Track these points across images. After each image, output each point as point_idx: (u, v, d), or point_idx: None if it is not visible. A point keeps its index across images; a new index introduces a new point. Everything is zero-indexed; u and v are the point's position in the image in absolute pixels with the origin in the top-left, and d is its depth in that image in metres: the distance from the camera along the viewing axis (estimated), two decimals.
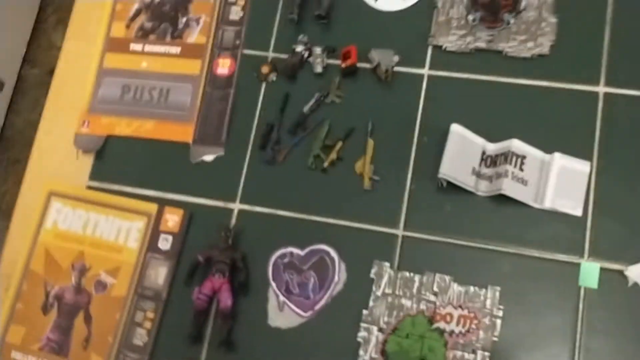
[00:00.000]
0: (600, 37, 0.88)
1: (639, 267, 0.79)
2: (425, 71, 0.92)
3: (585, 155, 0.85)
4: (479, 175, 0.87)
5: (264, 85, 0.96)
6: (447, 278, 0.83)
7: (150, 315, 0.88)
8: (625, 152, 0.84)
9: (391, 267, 0.85)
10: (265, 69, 0.96)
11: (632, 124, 0.85)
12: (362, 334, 0.83)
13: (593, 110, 0.86)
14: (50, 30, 1.95)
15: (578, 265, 0.81)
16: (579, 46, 0.89)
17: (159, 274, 0.89)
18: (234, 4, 1.00)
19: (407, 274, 0.84)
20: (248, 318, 0.87)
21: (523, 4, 0.90)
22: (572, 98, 0.87)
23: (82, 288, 0.91)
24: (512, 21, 0.89)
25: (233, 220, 0.91)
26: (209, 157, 0.94)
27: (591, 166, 0.85)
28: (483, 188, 0.86)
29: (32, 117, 1.81)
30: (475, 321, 0.81)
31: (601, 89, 0.87)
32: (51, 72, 1.04)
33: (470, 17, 0.91)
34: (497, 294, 0.82)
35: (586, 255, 0.82)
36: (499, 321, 0.80)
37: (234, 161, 0.94)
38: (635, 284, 0.79)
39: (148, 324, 0.88)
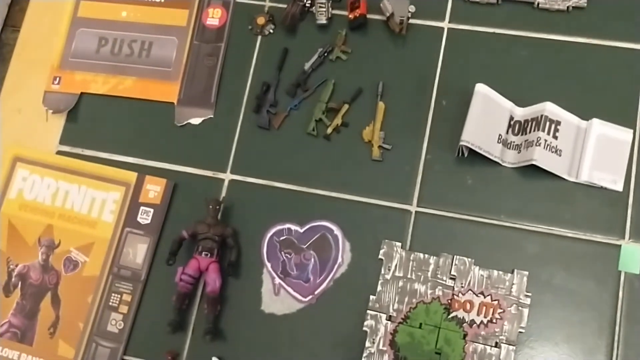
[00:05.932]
0: None
1: None
2: (445, 24, 0.89)
3: (627, 122, 0.82)
4: (505, 143, 0.83)
5: (259, 39, 0.93)
6: (467, 260, 0.79)
7: (127, 298, 0.85)
8: None
9: (402, 247, 0.81)
10: (261, 20, 0.92)
11: None
12: (368, 322, 0.79)
13: (636, 71, 0.83)
14: None
15: (618, 247, 0.79)
16: None
17: (138, 252, 0.86)
18: None
19: (420, 255, 0.81)
20: (238, 303, 0.83)
21: None
22: (612, 56, 0.84)
23: (49, 266, 0.87)
24: None
25: (223, 192, 0.88)
26: (196, 120, 0.91)
27: (634, 134, 0.81)
28: (510, 158, 0.82)
29: None
30: (499, 310, 0.77)
31: None
32: None
33: None
34: (525, 279, 0.78)
35: (627, 236, 0.79)
36: (526, 310, 0.77)
37: (224, 125, 0.90)
38: None
39: (124, 308, 0.84)
